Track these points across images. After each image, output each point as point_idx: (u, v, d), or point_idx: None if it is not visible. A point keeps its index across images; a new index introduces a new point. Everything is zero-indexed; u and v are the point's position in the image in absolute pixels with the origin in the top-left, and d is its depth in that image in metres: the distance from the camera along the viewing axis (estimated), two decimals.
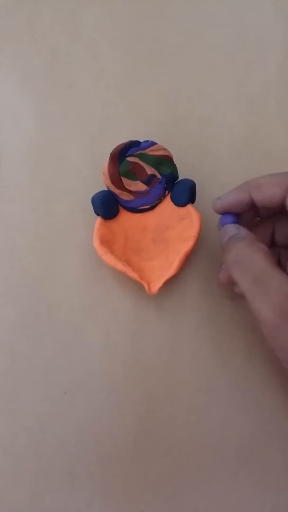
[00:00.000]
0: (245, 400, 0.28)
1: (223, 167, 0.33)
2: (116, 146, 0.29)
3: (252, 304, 0.22)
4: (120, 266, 0.28)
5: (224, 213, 0.26)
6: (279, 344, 0.22)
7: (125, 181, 0.30)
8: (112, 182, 0.29)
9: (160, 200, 0.31)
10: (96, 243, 0.29)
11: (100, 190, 0.30)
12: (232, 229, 0.25)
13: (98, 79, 0.35)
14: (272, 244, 0.28)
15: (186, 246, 0.28)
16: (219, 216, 0.27)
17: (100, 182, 0.30)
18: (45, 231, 0.31)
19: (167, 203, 0.30)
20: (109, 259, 0.28)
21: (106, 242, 0.29)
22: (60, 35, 0.36)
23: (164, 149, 0.29)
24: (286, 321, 0.21)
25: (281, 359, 0.23)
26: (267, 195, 0.25)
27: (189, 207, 0.29)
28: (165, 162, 0.30)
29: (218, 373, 0.29)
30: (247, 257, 0.23)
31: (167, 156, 0.29)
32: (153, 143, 0.29)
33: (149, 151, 0.29)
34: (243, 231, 0.25)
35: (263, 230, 0.28)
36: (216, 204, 0.26)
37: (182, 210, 0.30)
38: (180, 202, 0.30)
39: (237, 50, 0.36)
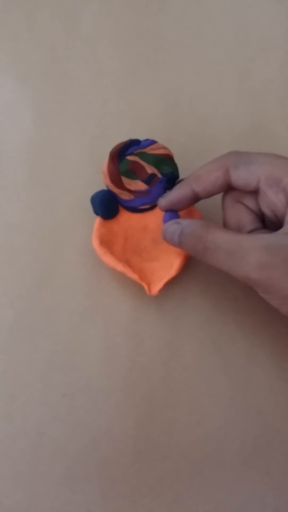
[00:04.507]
0: (246, 403, 0.28)
1: None
2: (116, 144, 0.29)
3: (236, 274, 0.23)
4: (120, 266, 0.28)
5: (167, 210, 0.27)
6: (277, 294, 0.23)
7: (125, 180, 0.29)
8: (112, 181, 0.29)
9: None
10: (96, 244, 0.28)
11: (100, 189, 0.29)
12: (174, 226, 0.26)
13: (98, 77, 0.35)
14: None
15: None
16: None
17: (100, 181, 0.29)
18: (44, 231, 0.31)
19: None
20: (108, 259, 0.28)
21: (106, 243, 0.29)
22: (59, 32, 0.36)
23: (164, 147, 0.29)
24: (271, 270, 0.22)
25: (283, 310, 0.23)
26: (209, 182, 0.25)
27: (190, 206, 0.29)
28: (166, 161, 0.29)
29: (219, 375, 0.28)
30: (210, 240, 0.24)
31: (167, 155, 0.29)
32: (154, 142, 0.29)
33: (150, 150, 0.29)
34: (184, 221, 0.25)
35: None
36: (160, 202, 0.27)
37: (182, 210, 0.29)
38: None
39: (238, 47, 0.36)
